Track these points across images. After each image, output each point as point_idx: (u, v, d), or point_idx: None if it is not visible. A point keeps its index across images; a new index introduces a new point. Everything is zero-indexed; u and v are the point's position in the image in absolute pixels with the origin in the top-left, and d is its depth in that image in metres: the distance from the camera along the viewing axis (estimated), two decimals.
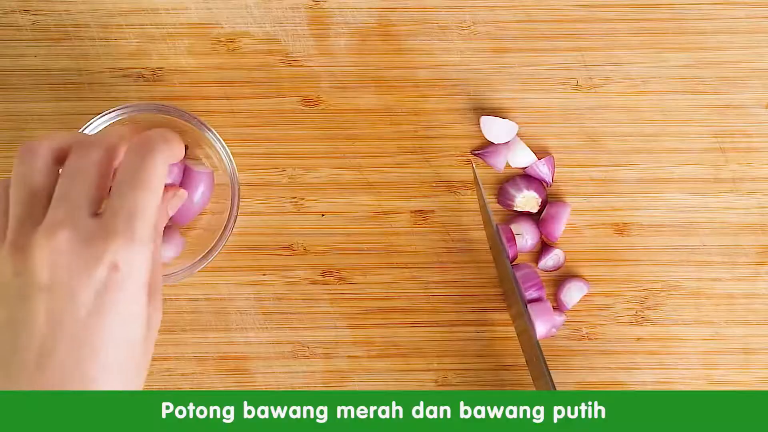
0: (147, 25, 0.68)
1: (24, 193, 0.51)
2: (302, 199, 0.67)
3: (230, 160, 0.64)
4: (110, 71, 0.67)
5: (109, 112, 0.63)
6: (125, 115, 0.63)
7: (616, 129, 0.68)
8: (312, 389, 0.67)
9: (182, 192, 0.61)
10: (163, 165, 0.52)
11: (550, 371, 0.65)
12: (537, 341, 0.62)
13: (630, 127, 0.68)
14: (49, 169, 0.52)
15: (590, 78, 0.68)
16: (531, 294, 0.65)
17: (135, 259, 0.50)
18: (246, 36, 0.68)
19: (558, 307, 0.67)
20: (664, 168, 0.68)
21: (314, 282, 0.67)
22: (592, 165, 0.68)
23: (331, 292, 0.67)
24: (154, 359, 0.66)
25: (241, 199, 0.66)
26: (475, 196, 0.67)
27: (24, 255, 0.49)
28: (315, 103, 0.68)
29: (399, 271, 0.67)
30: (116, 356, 0.50)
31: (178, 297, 0.67)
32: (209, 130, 0.64)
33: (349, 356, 0.67)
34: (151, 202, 0.51)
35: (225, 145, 0.64)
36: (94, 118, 0.63)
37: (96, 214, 0.51)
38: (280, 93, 0.68)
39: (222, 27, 0.68)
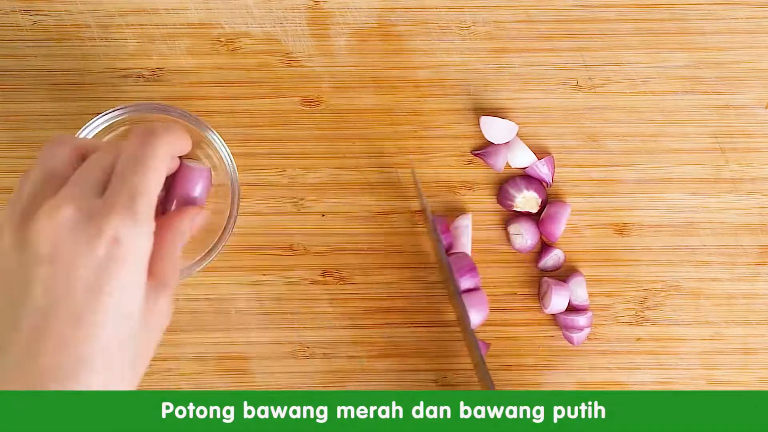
0: (147, 25, 0.68)
1: (40, 175, 0.52)
2: (302, 200, 0.68)
3: (230, 160, 0.64)
4: (110, 71, 0.67)
5: (110, 112, 0.63)
6: (125, 115, 0.63)
7: (616, 129, 0.68)
8: (312, 389, 0.67)
9: (206, 212, 0.61)
10: (165, 149, 0.52)
11: (548, 371, 0.65)
12: (471, 331, 0.62)
13: (630, 128, 0.68)
14: (70, 159, 0.52)
15: (590, 78, 0.68)
16: (466, 282, 0.64)
17: (135, 235, 0.50)
18: (246, 36, 0.68)
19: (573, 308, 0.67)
20: (664, 168, 0.68)
21: (314, 282, 0.67)
22: (592, 165, 0.68)
23: (331, 292, 0.67)
24: (154, 359, 0.66)
25: (241, 199, 0.66)
26: (477, 196, 0.67)
27: (26, 228, 0.49)
28: (315, 103, 0.68)
29: (399, 271, 0.67)
30: (113, 336, 0.49)
31: (177, 297, 0.67)
32: (209, 130, 0.64)
33: (349, 356, 0.67)
34: (152, 181, 0.51)
35: (225, 145, 0.64)
36: (95, 118, 0.63)
37: (101, 195, 0.51)
38: (280, 93, 0.68)
39: (222, 27, 0.68)
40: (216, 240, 0.64)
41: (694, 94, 0.68)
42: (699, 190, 0.68)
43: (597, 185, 0.68)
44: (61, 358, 0.48)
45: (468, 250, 0.66)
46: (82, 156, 0.53)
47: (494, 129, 0.66)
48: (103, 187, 0.51)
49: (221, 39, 0.68)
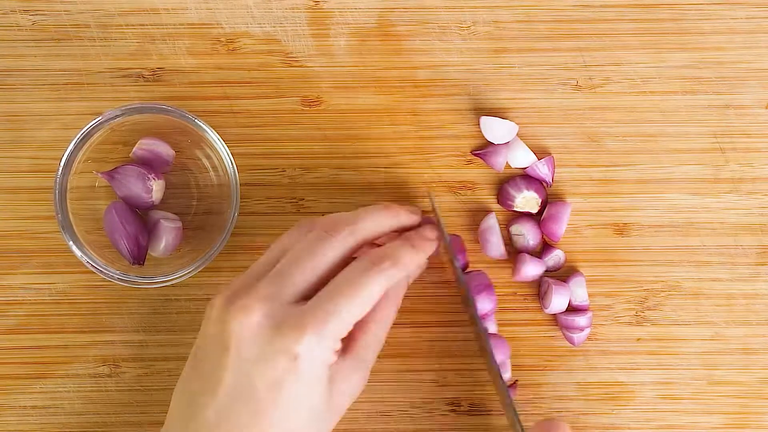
0: (147, 25, 0.68)
1: (267, 257, 0.56)
2: (302, 200, 0.67)
3: (230, 160, 0.64)
4: (110, 71, 0.67)
5: (110, 113, 0.63)
6: (126, 116, 0.63)
7: (616, 129, 0.68)
8: None
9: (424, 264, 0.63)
10: (382, 286, 0.55)
11: (549, 371, 0.65)
12: (498, 369, 0.63)
13: (630, 128, 0.68)
14: (348, 246, 0.56)
15: (590, 78, 0.68)
16: (483, 303, 0.64)
17: (316, 353, 0.53)
18: (246, 36, 0.68)
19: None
20: (664, 168, 0.68)
21: None
22: (592, 165, 0.68)
23: None
24: (154, 359, 0.66)
25: (241, 199, 0.66)
26: (475, 197, 0.67)
27: (227, 310, 0.53)
28: (315, 103, 0.68)
29: None
30: (291, 426, 0.53)
31: (178, 297, 0.67)
32: (209, 130, 0.64)
33: None
34: (353, 311, 0.54)
35: (225, 145, 0.64)
36: (96, 119, 0.63)
37: (299, 302, 0.54)
38: (280, 93, 0.68)
39: (222, 27, 0.68)
40: (216, 240, 0.64)
41: (694, 95, 0.68)
42: (699, 190, 0.68)
43: (597, 185, 0.68)
44: None
45: (501, 249, 0.66)
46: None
47: (494, 129, 0.66)
48: (302, 289, 0.54)
49: (221, 39, 0.68)
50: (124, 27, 0.68)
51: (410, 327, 0.67)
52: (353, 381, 0.56)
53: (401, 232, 0.60)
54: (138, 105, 0.63)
